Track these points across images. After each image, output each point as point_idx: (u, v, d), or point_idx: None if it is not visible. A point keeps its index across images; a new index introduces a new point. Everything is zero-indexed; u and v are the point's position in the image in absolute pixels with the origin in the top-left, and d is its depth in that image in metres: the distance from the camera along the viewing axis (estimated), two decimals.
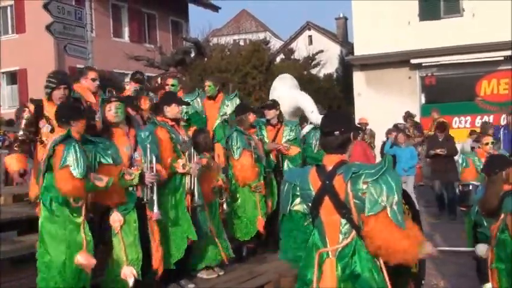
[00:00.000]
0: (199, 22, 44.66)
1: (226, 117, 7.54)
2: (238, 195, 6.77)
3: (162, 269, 5.18)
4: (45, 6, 10.42)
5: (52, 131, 5.24)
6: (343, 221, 2.85)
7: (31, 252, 6.36)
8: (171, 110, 5.67)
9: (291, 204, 3.04)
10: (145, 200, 4.97)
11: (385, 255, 2.78)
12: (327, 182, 2.87)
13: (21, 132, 5.63)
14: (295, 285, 3.05)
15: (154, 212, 4.99)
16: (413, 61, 16.17)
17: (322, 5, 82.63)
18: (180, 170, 5.47)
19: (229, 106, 7.58)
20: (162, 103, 5.82)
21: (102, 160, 4.75)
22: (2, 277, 5.95)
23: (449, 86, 16.24)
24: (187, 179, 5.58)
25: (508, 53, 14.91)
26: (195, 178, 5.59)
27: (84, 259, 4.43)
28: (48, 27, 10.50)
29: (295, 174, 3.13)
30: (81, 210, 4.54)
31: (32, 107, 5.59)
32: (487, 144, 7.02)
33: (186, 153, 5.57)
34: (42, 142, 5.49)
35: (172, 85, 7.65)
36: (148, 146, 5.06)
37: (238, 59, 18.77)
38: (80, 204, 4.52)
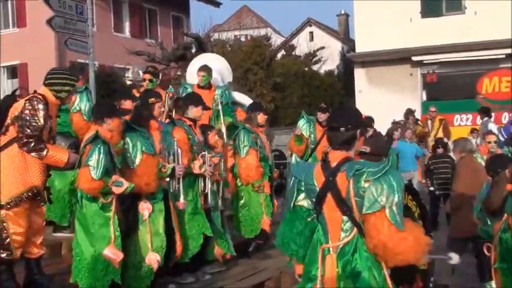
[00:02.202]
0: (200, 17, 44.74)
1: (219, 106, 7.46)
2: (242, 194, 6.81)
3: (178, 258, 5.42)
4: (46, 1, 10.37)
5: (50, 130, 4.95)
6: (345, 218, 2.83)
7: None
8: (196, 112, 5.87)
9: (295, 199, 3.01)
10: (171, 190, 5.26)
11: (382, 255, 2.75)
12: (330, 179, 2.84)
13: (42, 122, 4.74)
14: (299, 281, 3.03)
15: (181, 202, 5.33)
16: (414, 58, 16.13)
17: (323, 2, 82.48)
18: (196, 170, 5.65)
19: (223, 96, 7.56)
20: (188, 102, 5.95)
21: (144, 149, 4.98)
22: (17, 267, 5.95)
23: (451, 84, 16.22)
24: (201, 180, 5.76)
25: (509, 50, 14.86)
26: (208, 179, 5.76)
27: (111, 253, 4.59)
28: (49, 22, 10.45)
29: (301, 169, 3.09)
30: (110, 205, 4.67)
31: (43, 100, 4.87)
32: (489, 142, 7.01)
33: (204, 155, 5.73)
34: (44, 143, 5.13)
35: (150, 80, 7.52)
36: (175, 139, 5.33)
37: (240, 54, 18.76)
38: (109, 200, 4.65)
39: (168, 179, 5.25)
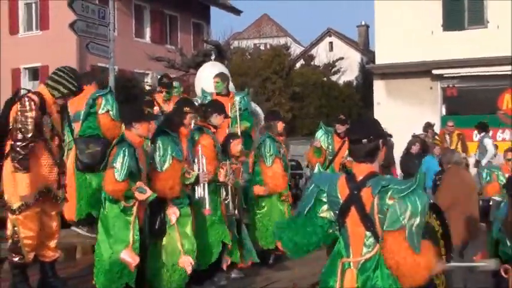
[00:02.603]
0: (220, 25, 44.85)
1: (239, 112, 7.47)
2: (264, 203, 6.76)
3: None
4: (70, 4, 10.48)
5: (52, 128, 4.87)
6: (368, 233, 2.77)
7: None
8: (219, 120, 5.99)
9: (314, 208, 2.94)
10: (197, 197, 5.34)
11: (395, 275, 2.70)
12: (355, 192, 2.79)
13: (30, 134, 4.60)
14: None
15: (207, 208, 5.38)
16: (435, 71, 16.00)
17: (344, 12, 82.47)
18: (222, 178, 5.73)
19: (241, 102, 7.58)
20: (213, 110, 6.06)
21: (174, 154, 5.07)
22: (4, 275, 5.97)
23: (471, 98, 16.04)
24: (223, 188, 5.82)
25: None
26: (230, 188, 5.83)
27: (128, 256, 4.62)
28: (71, 25, 10.56)
29: (324, 179, 3.02)
30: (131, 209, 4.71)
31: (37, 100, 4.73)
32: (509, 160, 6.90)
33: (226, 163, 5.80)
34: (46, 141, 4.85)
35: (167, 92, 7.83)
36: (200, 146, 5.41)
37: (259, 63, 18.79)
38: (131, 204, 4.70)
39: (190, 186, 5.33)
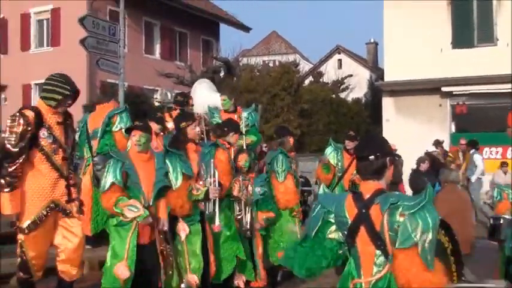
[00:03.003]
0: (229, 42, 45.20)
1: (245, 128, 7.48)
2: (275, 219, 6.66)
3: (212, 276, 5.54)
4: (81, 21, 10.61)
5: (54, 140, 4.78)
6: (378, 252, 2.72)
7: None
8: (235, 138, 6.12)
9: (321, 230, 2.91)
10: (207, 212, 5.36)
11: None
12: (363, 211, 2.75)
13: (15, 149, 4.50)
14: None
15: (216, 225, 5.40)
16: (444, 89, 15.97)
17: (353, 30, 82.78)
18: (235, 193, 5.83)
19: (249, 118, 7.59)
20: (231, 129, 6.20)
21: (184, 171, 5.09)
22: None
23: (481, 116, 15.97)
24: (236, 203, 5.90)
25: None
26: (244, 203, 5.89)
27: (119, 270, 4.58)
28: (82, 41, 10.68)
29: (330, 200, 2.99)
30: (129, 224, 4.66)
31: (31, 114, 4.67)
32: None
33: (235, 179, 5.88)
34: (47, 155, 4.78)
35: (181, 110, 7.83)
36: (212, 161, 5.43)
37: (268, 80, 18.82)
38: (128, 219, 4.67)
39: (202, 201, 5.36)
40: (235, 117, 7.50)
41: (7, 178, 4.44)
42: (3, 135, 4.62)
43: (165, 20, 26.17)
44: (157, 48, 26.25)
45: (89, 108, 19.99)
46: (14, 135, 4.48)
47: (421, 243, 2.58)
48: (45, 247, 4.74)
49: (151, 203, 4.74)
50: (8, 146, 4.47)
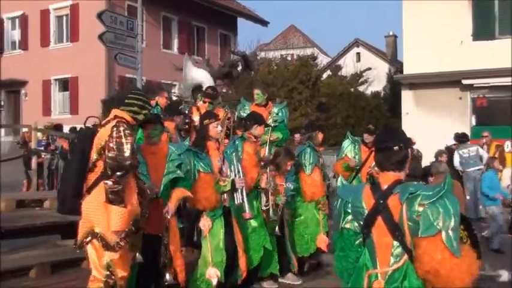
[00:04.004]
0: (247, 36, 45.09)
1: (274, 124, 7.50)
2: (301, 211, 6.87)
3: (246, 272, 5.54)
4: (99, 16, 10.68)
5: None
6: (396, 243, 2.71)
7: (75, 256, 6.47)
8: (259, 130, 6.19)
9: (342, 221, 2.92)
10: (237, 202, 5.48)
11: (433, 281, 2.62)
12: (381, 201, 2.73)
13: (127, 162, 4.10)
14: None
15: (247, 213, 5.49)
16: (464, 82, 15.76)
17: (371, 23, 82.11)
18: (263, 185, 5.95)
19: (279, 114, 7.61)
20: (254, 121, 6.27)
21: (200, 169, 5.23)
22: (43, 280, 6.04)
23: (501, 109, 15.73)
24: (263, 194, 6.02)
25: None
26: (270, 195, 6.00)
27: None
28: (100, 36, 10.75)
29: (348, 191, 3.00)
30: None
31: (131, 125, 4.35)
32: None
33: (266, 171, 5.99)
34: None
35: (210, 103, 7.92)
36: (234, 155, 5.62)
37: (285, 73, 18.73)
38: None
39: (226, 196, 5.46)
40: (265, 111, 7.56)
41: (119, 193, 4.06)
42: (111, 145, 4.11)
43: (182, 15, 26.24)
44: (175, 43, 26.35)
45: (107, 103, 20.15)
46: (126, 147, 4.12)
47: (445, 230, 2.57)
48: (130, 267, 4.38)
49: (159, 194, 4.76)
50: (121, 158, 4.07)
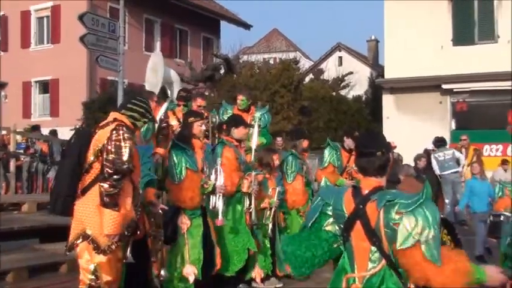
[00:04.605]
0: (230, 39, 45.19)
1: (258, 129, 7.49)
2: (286, 217, 7.06)
3: (218, 267, 5.64)
4: (80, 18, 10.59)
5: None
6: (373, 248, 2.70)
7: (53, 261, 6.41)
8: (239, 132, 6.21)
9: (319, 222, 2.90)
10: (211, 207, 5.52)
11: (428, 285, 2.58)
12: (360, 206, 2.73)
13: (125, 166, 4.05)
14: None
15: (220, 219, 5.56)
16: (444, 86, 15.92)
17: (353, 27, 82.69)
18: (245, 189, 6.00)
19: (261, 119, 7.60)
20: (229, 125, 6.38)
21: (188, 165, 5.30)
22: (20, 284, 5.96)
23: (481, 113, 15.93)
24: (247, 197, 6.06)
25: None
26: (253, 198, 6.07)
27: None
28: (81, 38, 10.65)
29: (330, 193, 2.97)
30: None
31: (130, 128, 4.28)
32: None
33: (251, 174, 6.05)
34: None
35: (184, 105, 7.78)
36: (219, 160, 5.63)
37: (268, 77, 18.75)
38: None
39: (205, 197, 5.52)
40: (247, 116, 7.55)
41: (115, 196, 4.01)
42: (109, 147, 4.06)
43: (165, 17, 26.14)
44: (158, 46, 26.22)
45: (88, 106, 19.95)
46: (124, 150, 4.06)
47: (424, 240, 2.54)
48: (119, 272, 4.32)
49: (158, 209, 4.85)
50: (119, 162, 4.02)
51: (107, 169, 4.01)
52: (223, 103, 7.90)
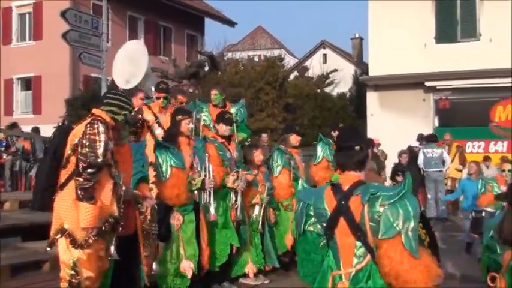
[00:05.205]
0: (215, 36, 45.12)
1: (236, 124, 7.43)
2: (276, 213, 7.13)
3: (207, 267, 5.71)
4: (63, 14, 10.49)
5: (112, 153, 4.38)
6: (358, 243, 2.72)
7: (34, 259, 6.35)
8: (220, 129, 6.35)
9: (305, 224, 2.92)
10: (203, 203, 5.61)
11: (394, 283, 2.63)
12: (343, 202, 2.74)
13: (100, 159, 4.03)
14: None
15: (212, 214, 5.66)
16: (428, 84, 16.04)
17: (338, 25, 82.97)
18: (230, 184, 6.08)
19: (238, 114, 7.58)
20: (216, 122, 6.48)
21: (173, 163, 5.36)
22: (3, 283, 5.90)
23: (464, 110, 16.08)
24: (233, 193, 6.14)
25: None
26: (240, 194, 6.15)
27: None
28: (64, 35, 10.56)
29: (309, 193, 3.01)
30: None
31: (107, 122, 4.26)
32: (504, 171, 6.95)
33: (238, 171, 6.15)
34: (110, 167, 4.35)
35: (164, 98, 7.41)
36: (207, 155, 5.72)
37: (252, 74, 18.72)
38: None
39: (196, 192, 5.59)
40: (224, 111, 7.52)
41: (89, 189, 3.99)
42: (84, 141, 4.01)
43: (149, 14, 25.99)
44: None
45: (71, 103, 19.72)
46: (99, 144, 4.04)
47: (404, 232, 2.58)
48: (99, 268, 4.24)
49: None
50: (92, 155, 4.00)
51: (81, 163, 4.04)
52: (197, 102, 7.79)
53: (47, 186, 4.23)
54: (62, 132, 4.36)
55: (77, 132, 4.19)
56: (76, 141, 4.13)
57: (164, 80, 8.57)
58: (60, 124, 4.63)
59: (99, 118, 4.23)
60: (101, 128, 4.12)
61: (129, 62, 8.13)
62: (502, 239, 4.40)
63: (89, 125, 4.12)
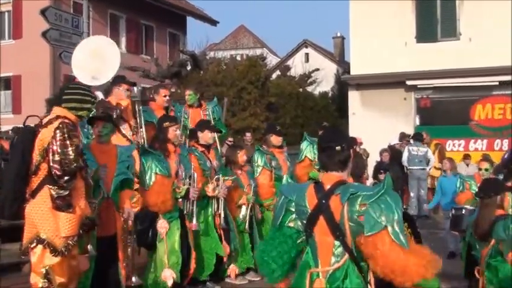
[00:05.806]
0: (197, 35, 45.11)
1: (213, 122, 7.41)
2: (262, 210, 7.16)
3: (191, 273, 5.69)
4: (43, 13, 10.38)
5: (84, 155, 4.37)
6: (337, 242, 2.73)
7: (14, 261, 6.27)
8: (204, 136, 6.27)
9: (283, 219, 2.92)
10: (185, 211, 5.60)
11: (391, 277, 2.59)
12: (323, 201, 2.75)
13: (73, 165, 3.95)
14: None
15: (194, 223, 5.66)
16: (409, 82, 16.18)
17: (320, 24, 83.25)
18: (210, 193, 6.03)
19: (214, 111, 7.57)
20: (197, 129, 6.41)
21: (158, 171, 5.32)
22: None
23: (444, 109, 16.25)
24: (215, 201, 6.10)
25: (503, 78, 14.93)
26: (222, 202, 6.13)
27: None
28: (44, 34, 10.44)
29: (292, 189, 3.00)
30: None
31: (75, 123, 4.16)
32: (480, 170, 7.06)
33: (218, 178, 6.12)
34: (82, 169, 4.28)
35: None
36: (192, 165, 5.74)
37: (234, 73, 18.73)
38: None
39: (181, 200, 5.58)
40: (200, 112, 7.50)
41: (66, 198, 3.92)
42: (54, 148, 3.89)
43: (130, 13, 25.82)
44: (123, 41, 25.89)
45: (52, 103, 19.53)
46: (70, 149, 3.91)
47: (390, 224, 2.58)
48: (72, 271, 4.21)
49: (110, 195, 4.69)
50: (66, 162, 3.88)
51: (55, 171, 3.90)
52: (174, 105, 7.74)
53: (17, 195, 4.05)
54: (27, 135, 4.15)
55: (43, 137, 4.03)
56: (45, 146, 3.99)
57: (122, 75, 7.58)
58: (21, 126, 4.35)
59: (67, 120, 4.07)
60: (71, 132, 3.99)
61: (95, 58, 7.51)
62: (478, 234, 4.48)
63: (58, 130, 3.97)
